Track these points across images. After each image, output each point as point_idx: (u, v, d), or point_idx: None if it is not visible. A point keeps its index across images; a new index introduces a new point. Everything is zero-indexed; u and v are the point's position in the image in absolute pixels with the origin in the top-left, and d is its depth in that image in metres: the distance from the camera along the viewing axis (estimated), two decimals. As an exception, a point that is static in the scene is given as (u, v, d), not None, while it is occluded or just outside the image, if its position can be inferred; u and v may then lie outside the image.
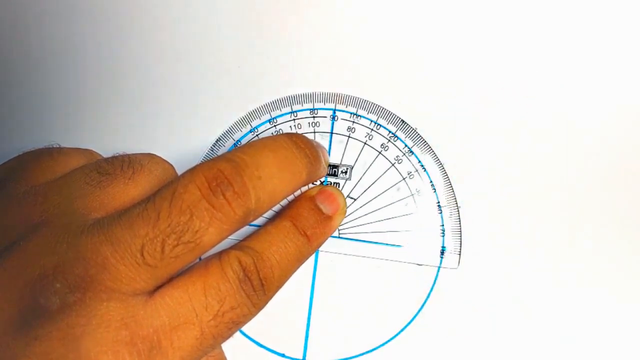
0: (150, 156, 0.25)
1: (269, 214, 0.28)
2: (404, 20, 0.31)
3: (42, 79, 0.31)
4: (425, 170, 0.29)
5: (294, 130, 0.30)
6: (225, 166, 0.21)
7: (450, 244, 0.28)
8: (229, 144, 0.30)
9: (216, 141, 0.30)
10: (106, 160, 0.24)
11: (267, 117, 0.30)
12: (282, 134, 0.27)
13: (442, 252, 0.28)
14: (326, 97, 0.30)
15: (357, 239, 0.29)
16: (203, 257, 0.22)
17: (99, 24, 0.32)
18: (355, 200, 0.29)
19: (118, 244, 0.19)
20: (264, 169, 0.22)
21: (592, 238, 0.28)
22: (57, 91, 0.31)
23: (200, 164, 0.22)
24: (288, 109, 0.30)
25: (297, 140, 0.25)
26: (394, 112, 0.30)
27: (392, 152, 0.30)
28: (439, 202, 0.29)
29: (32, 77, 0.31)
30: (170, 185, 0.21)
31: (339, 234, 0.29)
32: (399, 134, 0.30)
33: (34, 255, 0.20)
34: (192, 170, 0.21)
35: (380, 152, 0.30)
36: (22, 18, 0.32)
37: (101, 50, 0.31)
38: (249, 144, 0.23)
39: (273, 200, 0.23)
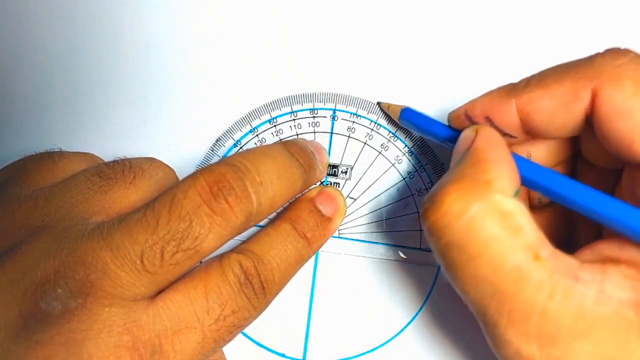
0: (151, 160, 0.25)
1: (269, 214, 0.28)
2: (404, 21, 0.31)
3: (43, 83, 0.31)
4: (425, 170, 0.29)
5: (294, 131, 0.30)
6: (226, 170, 0.21)
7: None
8: (229, 144, 0.30)
9: (216, 141, 0.30)
10: (107, 164, 0.24)
11: (267, 117, 0.30)
12: (277, 142, 0.27)
13: (442, 252, 0.28)
14: (326, 97, 0.30)
15: (357, 239, 0.29)
16: (203, 260, 0.22)
17: (99, 27, 0.32)
18: (355, 200, 0.29)
19: (117, 250, 0.19)
20: (264, 175, 0.22)
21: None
22: (58, 95, 0.31)
23: (200, 169, 0.22)
24: (288, 109, 0.30)
25: (290, 149, 0.25)
26: (394, 112, 0.30)
27: (392, 152, 0.30)
28: (438, 202, 0.29)
29: (33, 81, 0.31)
30: (169, 191, 0.21)
31: (339, 234, 0.29)
32: (399, 134, 0.30)
33: (35, 259, 0.20)
34: (192, 176, 0.21)
35: (380, 152, 0.30)
36: (23, 22, 0.32)
37: (102, 53, 0.31)
38: (247, 150, 0.23)
39: (273, 206, 0.23)
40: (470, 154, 0.21)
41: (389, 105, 0.29)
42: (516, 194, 0.20)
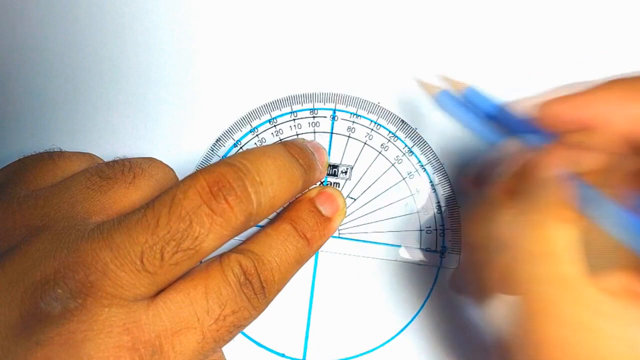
0: (151, 160, 0.25)
1: (269, 214, 0.28)
2: (403, 20, 0.31)
3: (43, 83, 0.31)
4: (425, 170, 0.29)
5: (294, 131, 0.30)
6: (226, 170, 0.21)
7: (450, 243, 0.28)
8: (229, 144, 0.30)
9: (216, 141, 0.30)
10: (107, 164, 0.24)
11: (267, 117, 0.30)
12: (277, 142, 0.27)
13: (442, 252, 0.28)
14: (326, 97, 0.30)
15: (357, 239, 0.29)
16: (203, 260, 0.22)
17: (100, 27, 0.32)
18: (355, 200, 0.29)
19: (117, 250, 0.19)
20: (264, 175, 0.22)
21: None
22: (58, 95, 0.31)
23: (200, 169, 0.22)
24: (288, 109, 0.30)
25: (290, 149, 0.25)
26: (393, 112, 0.30)
27: (392, 152, 0.30)
28: (438, 202, 0.29)
29: (33, 81, 0.31)
30: (169, 191, 0.21)
31: (339, 234, 0.29)
32: (399, 134, 0.30)
33: (35, 259, 0.20)
34: (192, 175, 0.21)
35: (380, 152, 0.30)
36: (23, 22, 0.32)
37: (102, 53, 0.31)
38: (247, 150, 0.23)
39: (273, 206, 0.23)
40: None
41: (426, 84, 0.26)
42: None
